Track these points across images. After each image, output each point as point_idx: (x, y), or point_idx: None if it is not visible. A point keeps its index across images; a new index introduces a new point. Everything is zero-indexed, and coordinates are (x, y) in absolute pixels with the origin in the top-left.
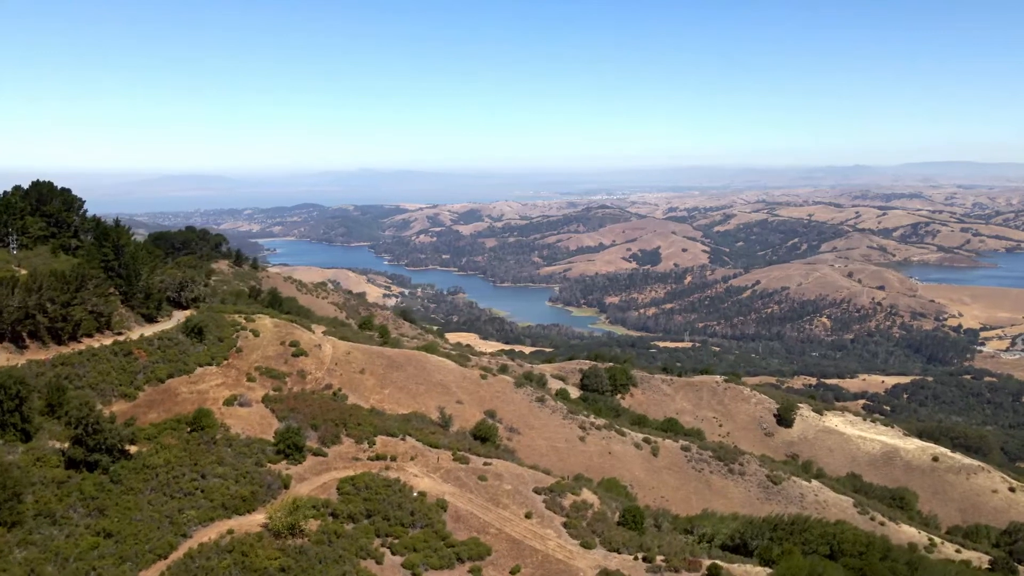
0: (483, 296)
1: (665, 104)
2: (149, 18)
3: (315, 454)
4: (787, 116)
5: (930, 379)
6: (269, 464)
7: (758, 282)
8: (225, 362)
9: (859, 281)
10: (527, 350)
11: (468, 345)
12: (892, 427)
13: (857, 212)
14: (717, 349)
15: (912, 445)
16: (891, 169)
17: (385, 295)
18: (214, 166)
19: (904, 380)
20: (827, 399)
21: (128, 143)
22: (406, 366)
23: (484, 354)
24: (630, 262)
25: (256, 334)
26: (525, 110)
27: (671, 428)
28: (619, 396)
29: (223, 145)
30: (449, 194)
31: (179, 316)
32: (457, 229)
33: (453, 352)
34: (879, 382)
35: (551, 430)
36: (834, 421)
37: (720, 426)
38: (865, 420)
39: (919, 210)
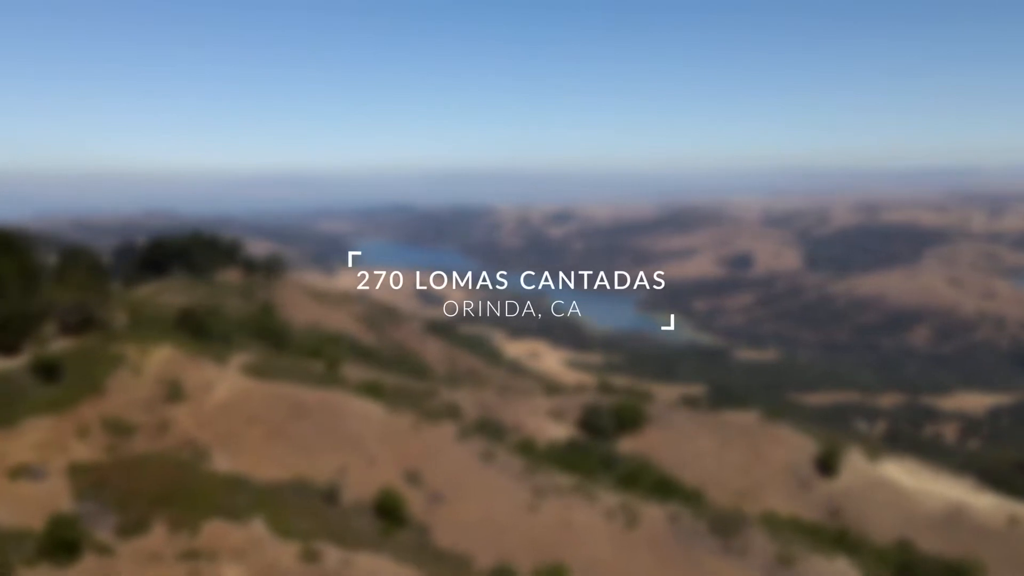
0: (567, 300)
1: (766, 105)
2: (247, 21)
3: (100, 551)
4: (894, 115)
5: None
6: (22, 569)
7: (854, 289)
8: (72, 410)
9: (964, 289)
10: (597, 359)
11: (534, 353)
12: (962, 478)
13: (965, 216)
14: (804, 360)
15: (984, 502)
16: (1006, 170)
17: (468, 298)
18: (316, 168)
19: (1007, 399)
20: (917, 419)
21: (233, 145)
22: (315, 413)
23: (461, 388)
24: (720, 266)
25: (137, 371)
26: (625, 109)
27: (663, 488)
28: (628, 436)
29: (326, 148)
30: (542, 195)
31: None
32: (546, 231)
33: (435, 386)
34: (978, 401)
35: (493, 495)
36: (889, 469)
37: (747, 474)
38: (929, 469)
39: None
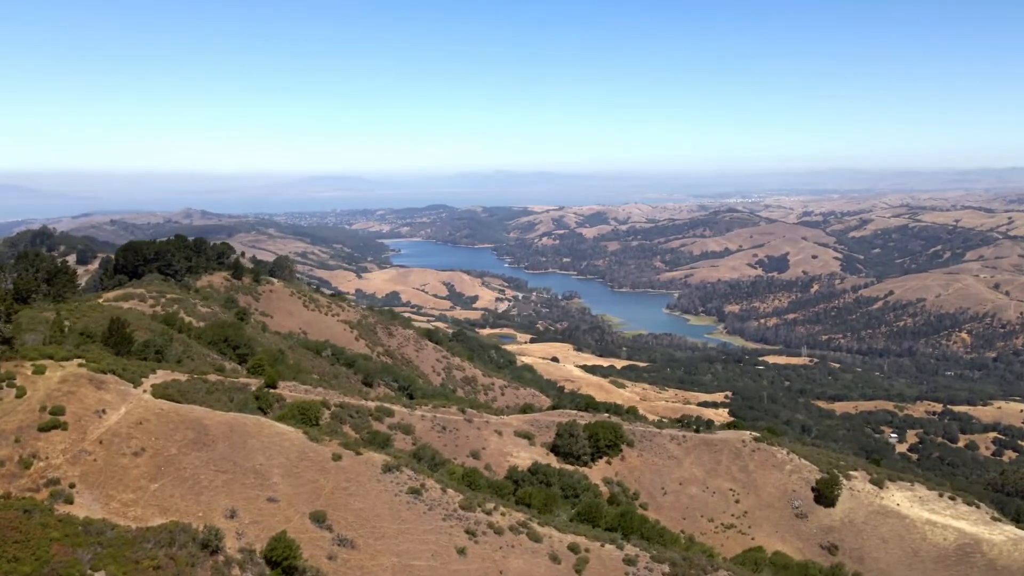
0: (599, 301)
1: (806, 105)
2: (289, 25)
3: None
4: (939, 114)
5: None
6: None
7: (891, 292)
8: None
9: (1007, 293)
10: (620, 364)
11: (554, 358)
12: (978, 507)
13: (1010, 217)
14: (836, 366)
15: (1000, 535)
16: None
17: (498, 299)
18: (356, 168)
19: None
20: (950, 430)
21: (275, 146)
22: (218, 443)
23: (421, 406)
24: (755, 268)
25: (20, 394)
26: (662, 109)
27: (623, 525)
28: (605, 460)
29: (367, 148)
30: (580, 196)
31: None
32: (580, 232)
33: (391, 404)
34: (1017, 411)
35: (414, 539)
36: (897, 497)
37: (737, 502)
38: (941, 497)
39: None
